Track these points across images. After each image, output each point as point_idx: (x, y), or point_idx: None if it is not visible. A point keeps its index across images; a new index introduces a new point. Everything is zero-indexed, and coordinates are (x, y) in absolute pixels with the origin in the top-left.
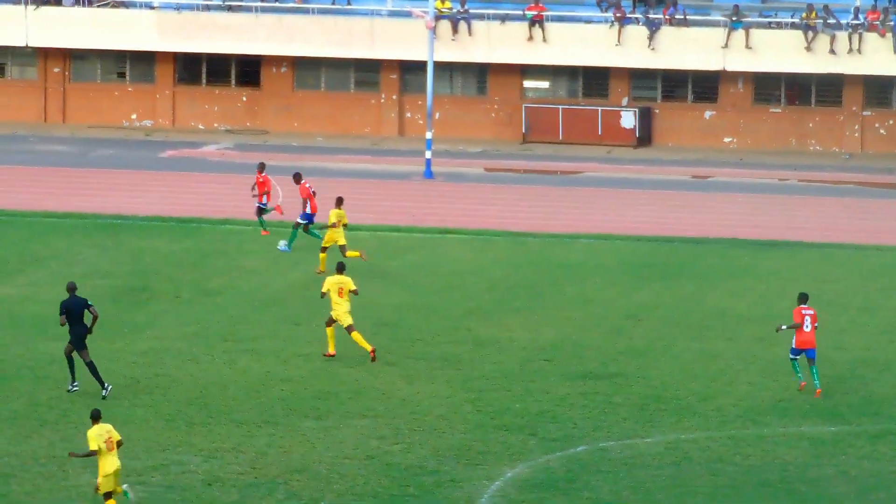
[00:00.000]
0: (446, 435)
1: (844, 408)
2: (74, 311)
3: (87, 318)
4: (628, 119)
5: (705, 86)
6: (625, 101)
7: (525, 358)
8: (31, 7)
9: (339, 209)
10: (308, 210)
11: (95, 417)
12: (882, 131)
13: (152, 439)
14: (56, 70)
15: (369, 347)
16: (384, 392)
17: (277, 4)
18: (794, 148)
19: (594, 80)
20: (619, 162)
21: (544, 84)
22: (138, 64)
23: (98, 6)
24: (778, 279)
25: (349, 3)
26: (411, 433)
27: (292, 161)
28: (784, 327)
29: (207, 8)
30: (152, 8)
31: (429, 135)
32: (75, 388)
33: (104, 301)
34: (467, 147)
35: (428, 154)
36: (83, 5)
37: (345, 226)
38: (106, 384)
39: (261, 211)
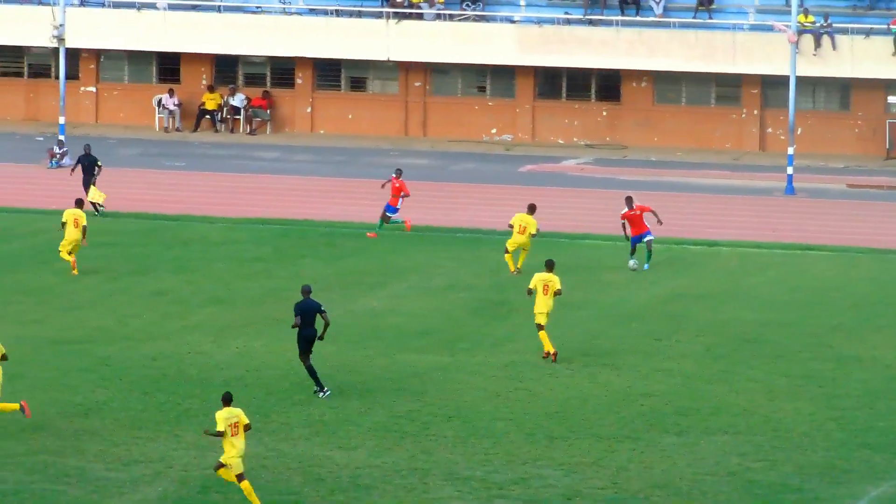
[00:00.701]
0: (809, 453)
1: None
2: (307, 315)
3: (319, 323)
4: None
5: None
6: None
7: (890, 376)
8: (392, 21)
9: (526, 214)
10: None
11: (227, 400)
12: None
13: (513, 453)
14: (417, 84)
15: (552, 349)
16: (745, 409)
17: (638, 18)
18: None
19: None
20: None
21: None
22: (498, 78)
23: (459, 20)
24: None
25: (710, 17)
26: (773, 451)
27: (651, 176)
28: None
29: (568, 22)
30: (513, 22)
31: (791, 150)
32: (327, 394)
33: (464, 313)
34: (829, 163)
35: (790, 170)
36: (444, 19)
37: (533, 235)
38: (325, 388)
39: (387, 214)
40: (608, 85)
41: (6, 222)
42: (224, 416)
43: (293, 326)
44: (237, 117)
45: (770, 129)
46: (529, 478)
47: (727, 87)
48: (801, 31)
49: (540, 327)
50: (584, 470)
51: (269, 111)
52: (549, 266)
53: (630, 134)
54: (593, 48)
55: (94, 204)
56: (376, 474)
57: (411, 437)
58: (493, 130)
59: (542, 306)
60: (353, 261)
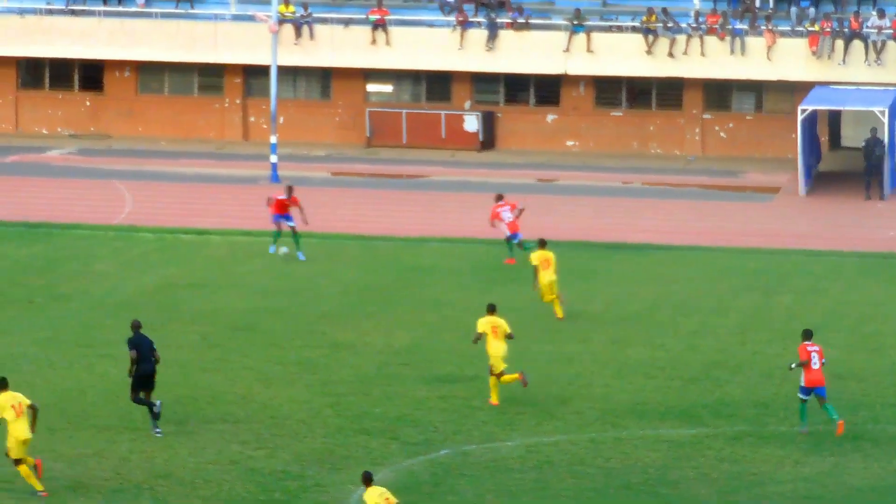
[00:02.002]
0: (308, 440)
1: (700, 409)
2: (143, 349)
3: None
4: (471, 123)
5: (547, 89)
6: (467, 104)
7: (382, 362)
8: None
9: (543, 251)
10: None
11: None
12: (722, 134)
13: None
14: None
15: (496, 401)
16: (243, 397)
17: (121, 9)
18: (635, 151)
19: (437, 84)
20: (463, 165)
21: (388, 88)
22: None
23: None
24: (627, 281)
25: (192, 7)
26: (273, 438)
27: (135, 166)
28: (794, 366)
29: (50, 12)
30: None
31: (273, 139)
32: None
33: None
34: (312, 151)
35: (273, 158)
36: None
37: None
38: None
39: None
40: (91, 75)
41: None
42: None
43: (133, 363)
44: None
45: (253, 118)
46: None
47: (210, 77)
48: (282, 21)
49: (501, 374)
50: (86, 461)
51: None
52: (492, 309)
53: (114, 124)
54: (75, 38)
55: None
56: None
57: None
58: None
59: (499, 351)
60: None
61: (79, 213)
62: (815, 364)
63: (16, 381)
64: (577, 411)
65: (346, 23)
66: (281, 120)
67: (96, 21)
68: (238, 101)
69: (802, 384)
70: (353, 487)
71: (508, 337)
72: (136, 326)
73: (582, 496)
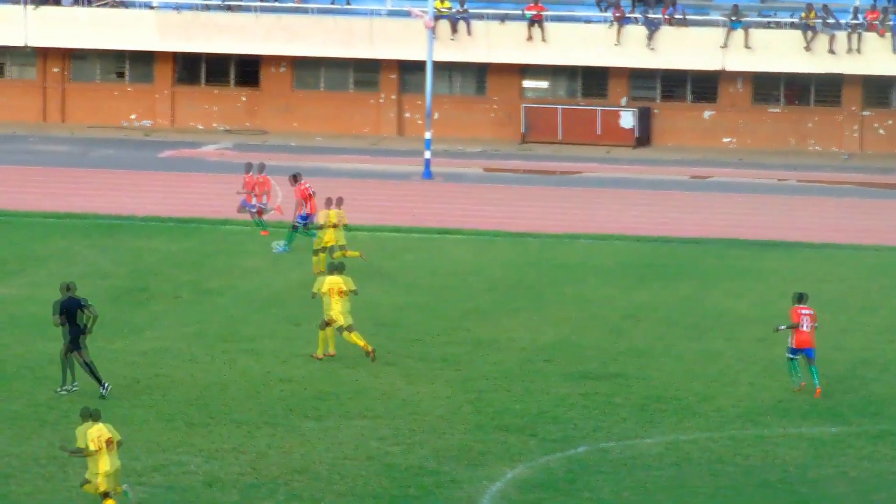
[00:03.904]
0: (447, 435)
1: (845, 408)
2: (71, 311)
3: (81, 319)
4: (627, 119)
5: (704, 85)
6: (624, 100)
7: (525, 358)
8: (30, 7)
9: (339, 209)
10: (306, 211)
11: (95, 416)
12: (881, 131)
13: (152, 440)
14: (55, 70)
15: (369, 347)
16: (384, 392)
17: (277, 4)
18: (793, 148)
19: (593, 80)
20: (618, 162)
21: (544, 84)
22: (138, 64)
23: (97, 6)
24: (778, 279)
25: (348, 3)
26: (411, 434)
27: (292, 161)
28: (782, 328)
29: (207, 7)
30: (151, 8)
31: (428, 135)
32: (67, 390)
33: (104, 301)
34: (466, 147)
35: (427, 154)
36: (82, 5)
37: (345, 226)
38: (104, 383)
39: (261, 211)
40: (247, 70)
41: None
42: (93, 432)
43: (57, 325)
44: None
45: (408, 114)
46: (169, 464)
47: (365, 73)
48: (438, 17)
49: (350, 329)
50: (223, 456)
51: None
52: (335, 269)
53: (270, 119)
54: (232, 33)
55: None
56: (15, 463)
57: (50, 426)
58: (133, 116)
59: (338, 308)
60: None
61: (230, 209)
62: (806, 327)
63: (158, 376)
64: (718, 409)
65: (503, 18)
66: (436, 116)
67: (253, 17)
68: (393, 97)
69: (791, 345)
70: (489, 483)
71: (353, 293)
72: (64, 289)
73: (718, 494)
